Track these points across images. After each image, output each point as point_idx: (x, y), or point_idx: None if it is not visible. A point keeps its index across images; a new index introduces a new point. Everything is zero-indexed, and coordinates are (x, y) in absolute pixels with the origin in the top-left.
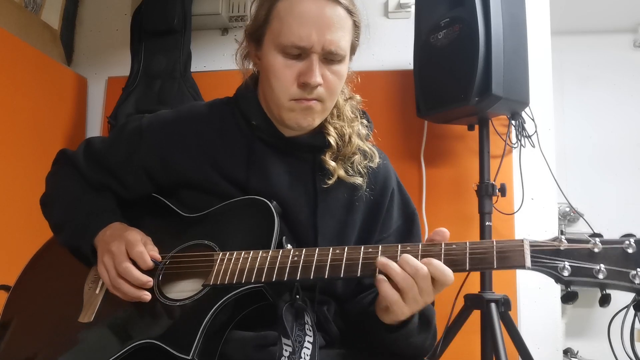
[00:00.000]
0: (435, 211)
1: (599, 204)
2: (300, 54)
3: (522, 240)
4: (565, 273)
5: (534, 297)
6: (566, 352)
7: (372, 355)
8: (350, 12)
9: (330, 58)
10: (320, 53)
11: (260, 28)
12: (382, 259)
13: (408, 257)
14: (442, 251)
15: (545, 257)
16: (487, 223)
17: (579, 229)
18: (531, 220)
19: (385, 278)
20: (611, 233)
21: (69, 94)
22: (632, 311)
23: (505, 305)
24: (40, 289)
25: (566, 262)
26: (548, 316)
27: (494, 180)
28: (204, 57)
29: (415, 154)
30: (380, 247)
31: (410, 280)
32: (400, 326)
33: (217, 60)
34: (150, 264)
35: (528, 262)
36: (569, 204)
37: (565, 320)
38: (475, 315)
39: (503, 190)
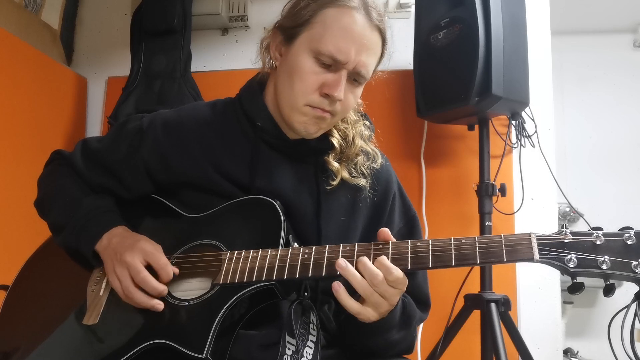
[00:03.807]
0: (435, 211)
1: (598, 203)
2: (331, 65)
3: (529, 234)
4: (572, 265)
5: (534, 297)
6: (566, 352)
7: (370, 354)
8: (384, 43)
9: (355, 78)
10: (350, 71)
11: (299, 26)
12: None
13: (365, 260)
14: (452, 246)
15: (551, 250)
16: (487, 223)
17: (579, 228)
18: (531, 220)
19: (341, 288)
20: None
21: (69, 94)
22: (632, 311)
23: (505, 305)
24: (39, 290)
25: (572, 255)
26: (548, 316)
27: (494, 180)
28: (204, 57)
29: (415, 154)
30: (390, 243)
31: (369, 288)
32: (375, 322)
33: (217, 60)
34: (171, 276)
35: (536, 255)
36: (569, 204)
37: (565, 320)
38: (475, 315)
39: (503, 190)
